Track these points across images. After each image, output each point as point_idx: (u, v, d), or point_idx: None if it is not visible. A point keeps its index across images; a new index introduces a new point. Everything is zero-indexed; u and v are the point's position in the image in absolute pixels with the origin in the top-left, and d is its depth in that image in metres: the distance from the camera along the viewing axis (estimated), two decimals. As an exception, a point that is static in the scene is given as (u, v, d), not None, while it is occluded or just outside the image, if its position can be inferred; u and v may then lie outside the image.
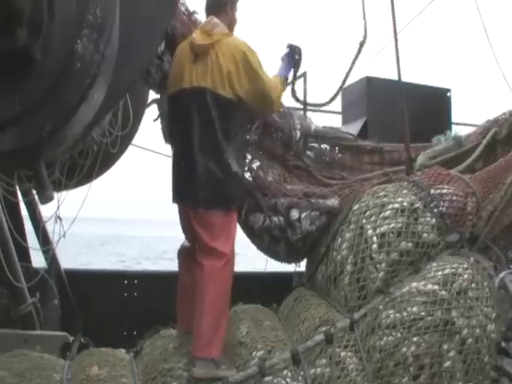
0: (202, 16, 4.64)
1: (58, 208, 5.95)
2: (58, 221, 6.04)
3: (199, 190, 4.07)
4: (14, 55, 2.81)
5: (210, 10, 4.37)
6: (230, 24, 4.39)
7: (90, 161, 5.36)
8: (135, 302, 6.99)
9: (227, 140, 4.11)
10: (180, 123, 4.24)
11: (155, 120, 4.80)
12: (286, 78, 4.65)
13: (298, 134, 5.25)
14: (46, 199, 3.32)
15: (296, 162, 5.27)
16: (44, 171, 3.22)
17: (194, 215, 4.13)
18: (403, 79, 5.36)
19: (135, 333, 6.22)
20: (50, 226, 6.31)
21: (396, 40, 5.22)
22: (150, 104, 5.21)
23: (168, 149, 4.56)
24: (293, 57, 4.69)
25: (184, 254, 4.44)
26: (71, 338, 5.32)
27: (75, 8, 2.95)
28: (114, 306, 6.71)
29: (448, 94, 8.18)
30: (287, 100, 5.42)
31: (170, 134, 4.48)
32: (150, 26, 3.58)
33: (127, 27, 3.30)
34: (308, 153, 5.41)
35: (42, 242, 6.39)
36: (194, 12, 4.77)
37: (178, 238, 4.53)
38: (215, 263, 3.99)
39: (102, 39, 3.00)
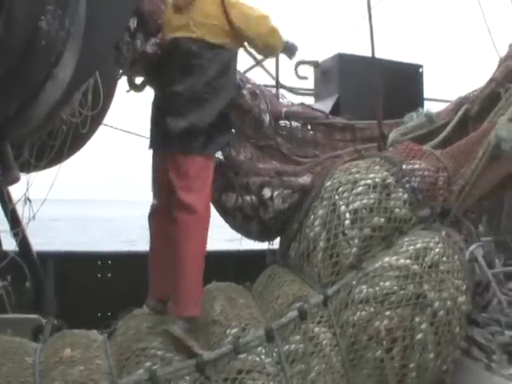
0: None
1: (27, 190, 5.88)
2: (28, 202, 5.97)
3: (176, 135, 4.02)
4: None
5: None
6: None
7: (59, 141, 5.28)
8: (109, 282, 6.95)
9: (212, 90, 4.12)
10: (164, 75, 4.23)
11: (128, 91, 4.72)
12: None
13: (268, 118, 5.21)
14: (11, 180, 3.27)
15: (267, 143, 5.25)
16: (9, 152, 3.17)
17: (171, 164, 4.08)
18: (377, 55, 5.37)
19: (109, 314, 6.19)
20: (20, 209, 6.25)
21: (370, 16, 5.22)
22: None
23: (138, 128, 4.51)
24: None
25: (154, 216, 4.37)
26: (43, 321, 5.26)
27: None
28: (87, 287, 6.67)
29: (420, 70, 8.18)
30: (259, 78, 5.41)
31: (153, 83, 4.47)
32: (119, 2, 3.53)
33: (94, 3, 3.24)
34: (279, 133, 5.38)
35: (13, 225, 6.31)
36: None
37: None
38: (188, 217, 3.96)
39: (67, 16, 2.96)
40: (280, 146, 5.26)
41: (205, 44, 4.10)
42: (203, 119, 4.09)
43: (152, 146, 4.28)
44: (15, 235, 6.45)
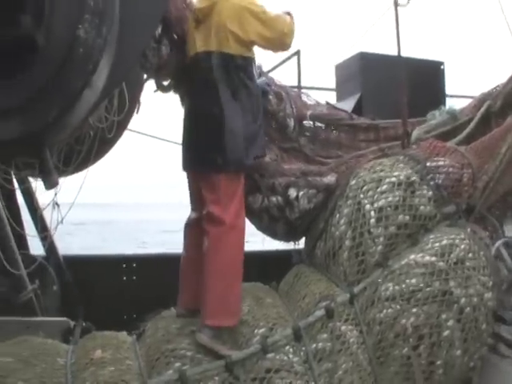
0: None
1: (55, 195, 5.96)
2: (56, 207, 6.04)
3: (204, 153, 4.08)
4: (17, 43, 2.82)
5: None
6: None
7: (86, 147, 5.35)
8: (134, 285, 7.02)
9: (232, 101, 4.12)
10: (190, 90, 4.29)
11: (155, 91, 4.77)
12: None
13: (293, 122, 5.24)
14: (51, 185, 3.34)
15: (291, 145, 5.27)
16: (48, 157, 3.23)
17: (201, 179, 4.15)
18: (396, 53, 5.37)
19: (135, 316, 6.25)
20: (47, 213, 6.33)
21: (396, 14, 5.23)
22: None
23: (163, 132, 4.56)
24: None
25: (191, 226, 4.41)
26: (72, 323, 5.34)
27: None
28: (113, 290, 6.74)
29: (441, 67, 8.17)
30: (283, 78, 5.43)
31: (179, 89, 4.55)
32: (147, 9, 3.57)
33: (124, 10, 3.28)
34: (303, 134, 5.40)
35: (40, 229, 6.41)
36: None
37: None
38: (219, 230, 4.00)
39: (103, 24, 3.02)
40: (303, 147, 5.27)
41: (224, 56, 4.12)
42: (235, 141, 4.11)
43: (185, 167, 4.33)
44: (43, 240, 6.55)
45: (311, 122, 5.44)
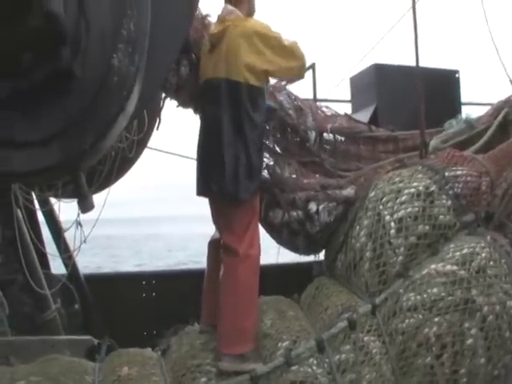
0: (214, 19, 4.66)
1: (78, 215, 6.04)
2: (79, 227, 6.12)
3: (215, 183, 4.08)
4: (56, 74, 2.91)
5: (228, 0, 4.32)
6: (249, 13, 4.36)
7: (108, 166, 5.43)
8: (154, 302, 7.07)
9: (236, 135, 4.10)
10: (200, 116, 4.32)
11: (177, 106, 4.81)
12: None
13: (314, 134, 5.27)
14: (87, 208, 3.41)
15: (311, 158, 5.30)
16: (84, 181, 3.30)
17: (215, 207, 4.19)
18: (410, 63, 5.40)
19: (155, 332, 6.30)
20: (68, 232, 6.42)
21: (415, 26, 5.25)
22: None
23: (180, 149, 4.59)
24: None
25: (213, 246, 4.44)
26: (96, 341, 5.40)
27: (110, 23, 3.03)
28: (133, 307, 6.79)
29: (456, 75, 8.17)
30: (298, 91, 5.46)
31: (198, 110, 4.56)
32: (170, 34, 3.63)
33: (150, 35, 3.35)
34: (324, 147, 5.42)
35: (63, 249, 6.49)
36: (206, 15, 4.73)
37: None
38: (233, 260, 4.03)
39: (136, 52, 3.10)
40: (323, 161, 5.29)
41: (231, 84, 4.09)
42: (245, 173, 4.11)
43: (198, 192, 4.29)
44: (66, 259, 6.63)
45: (331, 135, 5.46)
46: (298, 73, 4.44)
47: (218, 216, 4.21)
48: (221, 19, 4.24)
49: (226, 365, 3.86)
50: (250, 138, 4.12)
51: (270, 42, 4.15)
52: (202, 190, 4.24)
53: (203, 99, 4.30)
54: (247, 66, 4.08)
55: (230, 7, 4.25)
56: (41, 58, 2.90)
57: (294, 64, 4.28)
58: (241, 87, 4.08)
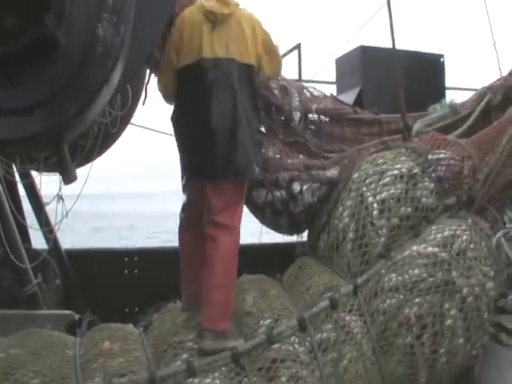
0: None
1: (59, 189, 6.01)
2: (61, 201, 6.09)
3: (214, 162, 4.03)
4: (40, 41, 2.88)
5: None
6: None
7: (90, 141, 5.40)
8: (136, 278, 7.06)
9: (256, 110, 4.22)
10: (201, 95, 4.13)
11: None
12: None
13: (299, 115, 5.27)
14: (70, 180, 3.39)
15: (295, 138, 5.30)
16: (67, 153, 3.28)
17: (211, 189, 4.10)
18: (396, 46, 5.40)
19: (137, 309, 6.30)
20: (49, 206, 6.38)
21: (390, 8, 5.25)
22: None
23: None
24: None
25: (186, 228, 4.42)
26: (77, 317, 5.40)
27: None
28: (114, 283, 6.79)
29: (441, 60, 8.20)
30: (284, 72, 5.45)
31: (182, 106, 4.33)
32: (156, 8, 3.60)
33: (136, 9, 3.32)
34: (308, 127, 5.43)
35: (43, 223, 6.46)
36: None
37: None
38: (227, 237, 4.02)
39: (121, 22, 3.07)
40: (308, 141, 5.30)
41: (244, 66, 4.15)
42: (245, 152, 4.11)
43: (191, 175, 4.28)
44: (46, 233, 6.60)
45: (316, 116, 5.47)
46: (274, 75, 4.65)
47: (210, 196, 4.12)
48: (221, 0, 4.17)
49: (209, 344, 3.85)
50: (254, 115, 4.22)
51: (266, 37, 4.33)
52: (196, 172, 4.20)
53: (200, 77, 4.14)
54: (254, 50, 4.21)
55: None
56: (24, 25, 2.86)
57: (275, 66, 4.48)
58: (250, 69, 4.20)
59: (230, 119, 4.05)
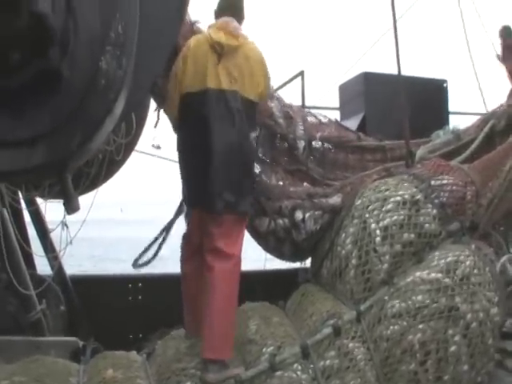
0: (203, 25, 4.70)
1: (64, 216, 6.02)
2: (65, 227, 6.11)
3: (218, 194, 4.04)
4: (44, 74, 2.92)
5: (232, 12, 4.35)
6: (242, 23, 4.45)
7: (95, 169, 5.42)
8: (140, 305, 7.05)
9: (254, 144, 4.30)
10: (202, 126, 4.12)
11: (155, 110, 4.78)
12: None
13: (303, 144, 5.30)
14: (73, 209, 3.40)
15: (299, 167, 5.33)
16: (70, 183, 3.31)
17: (210, 219, 4.12)
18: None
19: (141, 336, 6.28)
20: (54, 233, 6.40)
21: (396, 36, 5.28)
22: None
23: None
24: None
25: (187, 258, 4.42)
26: (81, 343, 5.38)
27: (99, 25, 3.05)
28: (118, 309, 6.78)
29: (444, 85, 8.25)
30: (287, 99, 5.48)
31: (184, 135, 4.37)
32: (159, 39, 3.64)
33: (141, 38, 3.36)
34: (312, 155, 5.45)
35: (48, 249, 6.48)
36: (195, 22, 4.78)
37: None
38: (226, 265, 4.02)
39: (124, 55, 3.10)
40: (311, 170, 5.33)
41: (246, 101, 4.18)
42: (249, 185, 4.22)
43: (194, 204, 4.30)
44: (51, 259, 6.61)
45: (320, 143, 5.49)
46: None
47: (211, 225, 4.12)
48: (230, 32, 4.22)
49: (212, 376, 3.82)
50: (255, 155, 4.35)
51: (267, 80, 4.42)
52: (200, 201, 4.20)
53: (204, 107, 4.15)
54: (259, 87, 4.27)
55: (236, 23, 4.29)
56: (29, 58, 2.90)
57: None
58: (253, 105, 4.25)
59: (230, 152, 4.07)
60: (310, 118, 5.59)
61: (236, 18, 4.33)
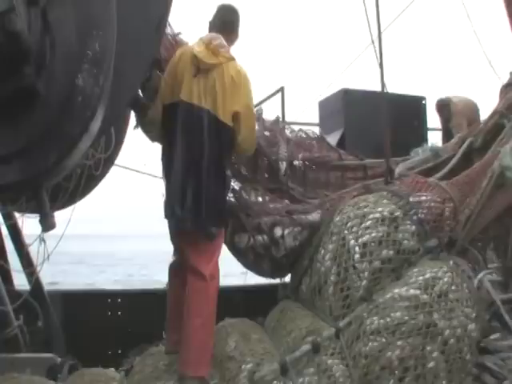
0: (185, 36, 4.73)
1: (42, 231, 5.96)
2: (42, 243, 6.04)
3: (194, 212, 4.06)
4: (20, 91, 2.90)
5: (223, 29, 4.37)
6: (234, 41, 4.46)
7: (73, 183, 5.38)
8: (119, 320, 6.99)
9: (223, 165, 4.23)
10: (174, 139, 4.16)
11: (135, 128, 4.76)
12: None
13: (285, 165, 5.33)
14: (49, 226, 3.39)
15: (279, 186, 5.37)
16: (46, 200, 3.29)
17: (181, 234, 4.16)
18: (379, 89, 5.47)
19: (120, 352, 6.23)
20: (32, 247, 6.32)
21: (381, 53, 5.33)
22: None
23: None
24: None
25: (175, 270, 4.45)
26: (58, 360, 5.31)
27: (75, 43, 3.04)
28: (97, 325, 6.71)
29: (423, 102, 8.33)
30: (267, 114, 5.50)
31: (163, 147, 4.41)
32: (137, 55, 3.64)
33: (119, 57, 3.35)
34: (293, 175, 5.50)
35: (26, 264, 6.40)
36: (178, 34, 4.79)
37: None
38: (201, 284, 4.04)
39: (101, 73, 3.10)
40: (292, 190, 5.36)
41: (211, 116, 4.14)
42: (218, 205, 4.21)
43: (167, 217, 4.27)
44: (29, 275, 6.52)
45: (301, 162, 5.51)
46: (247, 146, 4.54)
47: (185, 243, 4.18)
48: (212, 49, 4.21)
49: None
50: (227, 176, 4.30)
51: (248, 101, 4.35)
52: (174, 219, 4.20)
53: (173, 119, 4.19)
54: (234, 112, 4.20)
55: (222, 40, 4.27)
56: (4, 75, 2.89)
57: (248, 134, 4.41)
58: (225, 128, 4.17)
59: (188, 171, 4.07)
60: (292, 135, 5.63)
61: (226, 36, 4.33)
